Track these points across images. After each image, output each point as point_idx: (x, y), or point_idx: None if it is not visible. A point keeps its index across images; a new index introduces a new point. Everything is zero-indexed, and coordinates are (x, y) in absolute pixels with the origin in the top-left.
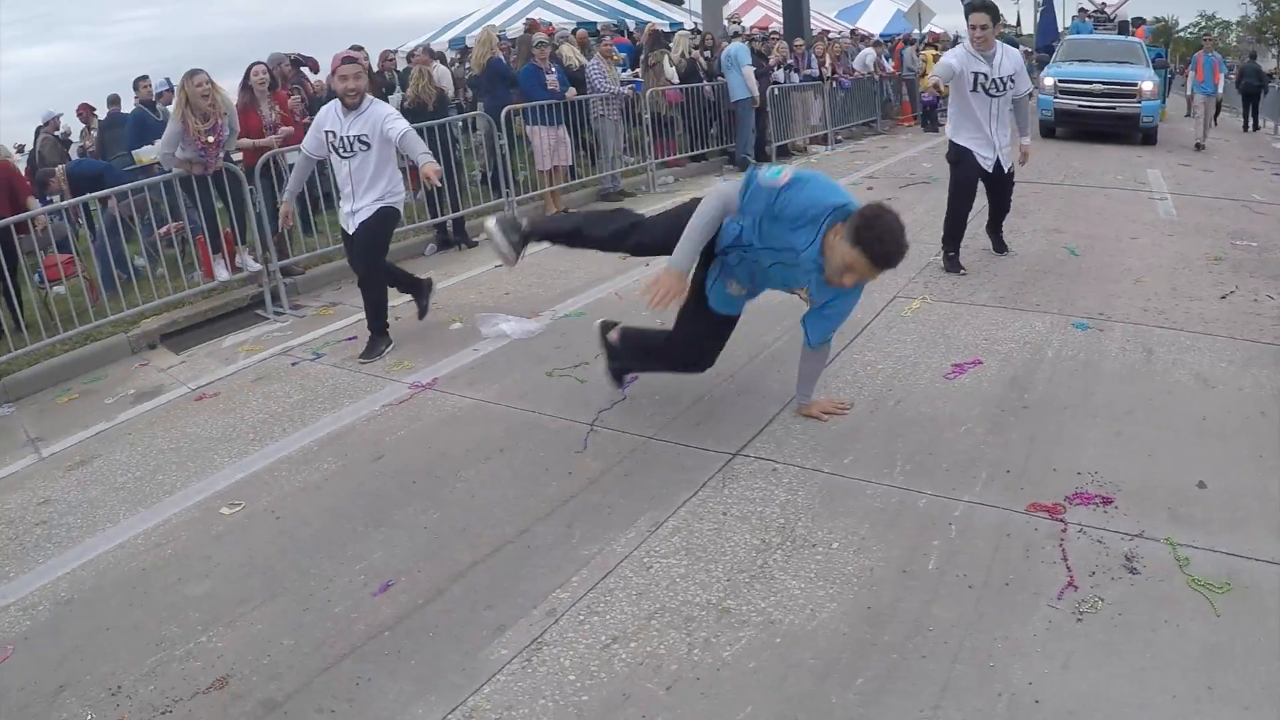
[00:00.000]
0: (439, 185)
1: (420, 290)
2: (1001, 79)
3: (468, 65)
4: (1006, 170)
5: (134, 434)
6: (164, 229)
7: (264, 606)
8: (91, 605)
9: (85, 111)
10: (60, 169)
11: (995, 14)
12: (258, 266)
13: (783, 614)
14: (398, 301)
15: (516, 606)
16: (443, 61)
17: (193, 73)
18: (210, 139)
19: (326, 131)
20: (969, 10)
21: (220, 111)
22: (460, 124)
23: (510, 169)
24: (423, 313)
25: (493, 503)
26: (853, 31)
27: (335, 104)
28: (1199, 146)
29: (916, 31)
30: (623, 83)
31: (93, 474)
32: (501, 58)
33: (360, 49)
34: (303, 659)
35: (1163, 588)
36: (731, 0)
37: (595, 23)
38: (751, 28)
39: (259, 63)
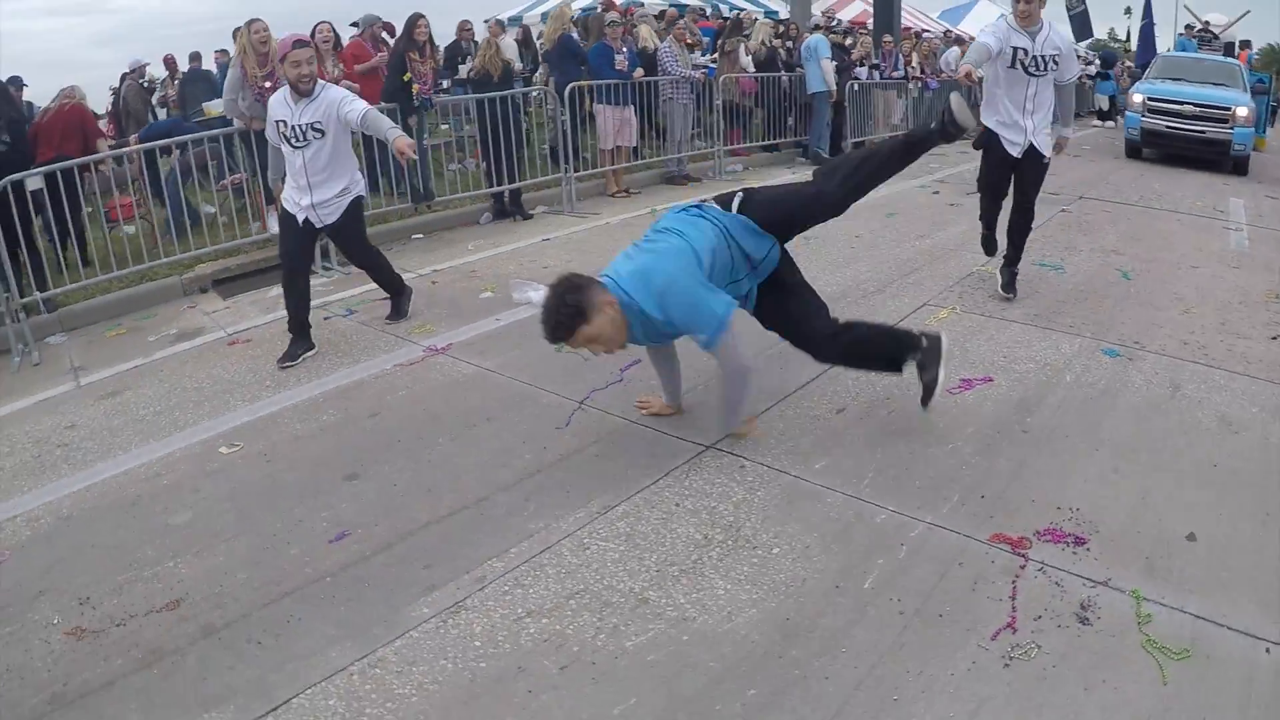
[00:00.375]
0: (414, 158)
1: (401, 293)
2: (1043, 56)
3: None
4: (1046, 156)
5: (166, 371)
6: (228, 180)
7: (231, 541)
8: (85, 523)
9: (170, 62)
10: (133, 138)
11: None
12: None
13: (699, 612)
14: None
15: (451, 569)
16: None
17: (251, 21)
18: (267, 84)
19: (277, 121)
20: None
21: (277, 60)
22: (526, 96)
23: (573, 145)
24: (396, 314)
25: (464, 468)
26: (946, 32)
27: (284, 91)
28: None
29: None
30: (695, 67)
31: (119, 405)
32: (574, 34)
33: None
34: (249, 593)
35: (1112, 644)
36: None
37: (686, 5)
38: (849, 22)
39: (324, 21)
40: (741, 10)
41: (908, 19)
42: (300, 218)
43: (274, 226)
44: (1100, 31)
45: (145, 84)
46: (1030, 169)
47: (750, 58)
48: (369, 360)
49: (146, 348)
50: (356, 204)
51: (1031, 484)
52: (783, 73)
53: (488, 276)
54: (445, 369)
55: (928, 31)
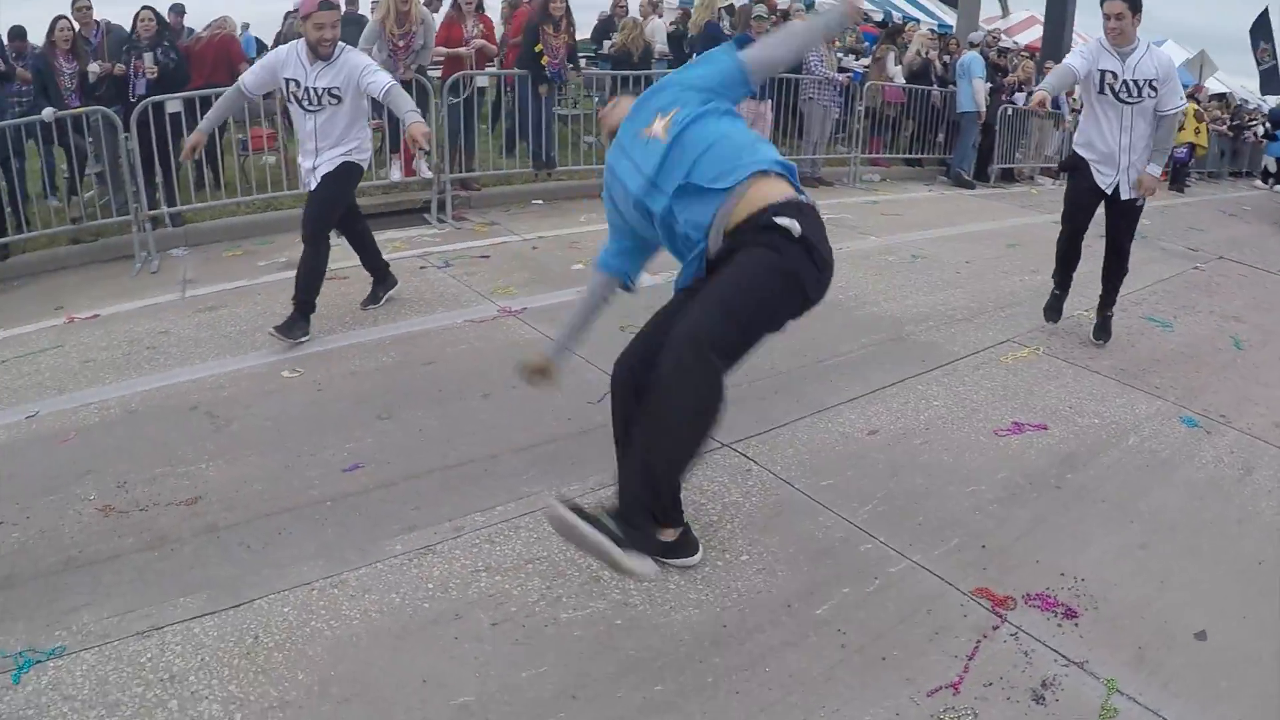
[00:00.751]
0: (426, 149)
1: (383, 279)
2: (1135, 82)
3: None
4: (1127, 198)
5: (262, 294)
6: (370, 123)
7: (263, 455)
8: (146, 418)
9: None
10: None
11: (1135, 3)
12: (430, 175)
13: (642, 600)
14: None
15: (436, 515)
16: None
17: None
18: (401, 43)
19: (287, 79)
20: None
21: (415, 21)
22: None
23: None
24: (371, 300)
25: (489, 425)
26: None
27: (298, 47)
28: None
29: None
30: (842, 70)
31: (213, 320)
32: (722, 22)
33: None
34: (258, 502)
35: None
36: (1012, 16)
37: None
38: (1025, 47)
39: None
40: (906, 18)
41: None
42: (305, 183)
43: (395, 175)
44: None
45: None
46: (1120, 209)
47: (900, 67)
48: (445, 312)
49: (254, 271)
50: (348, 166)
51: (1043, 543)
52: (935, 87)
53: (586, 249)
54: (511, 330)
55: None
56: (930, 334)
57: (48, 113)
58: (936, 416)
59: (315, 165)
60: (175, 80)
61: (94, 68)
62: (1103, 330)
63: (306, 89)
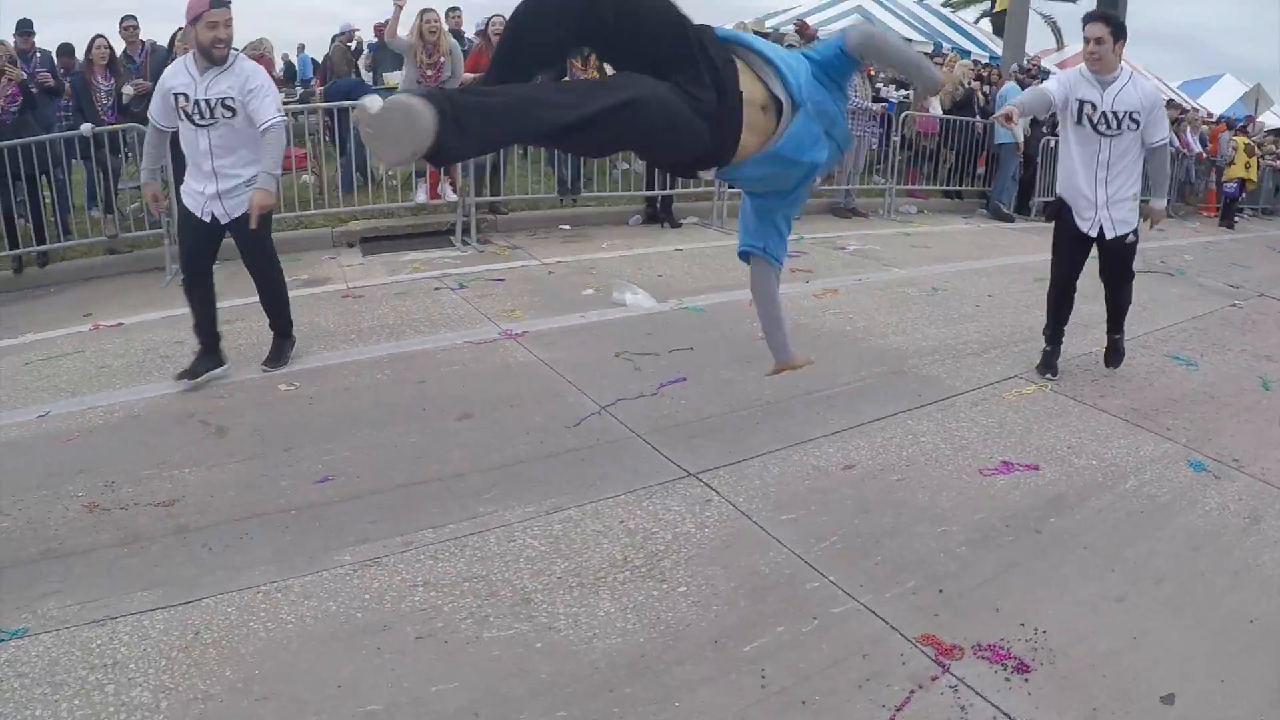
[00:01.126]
0: (256, 219)
1: (286, 336)
2: (1116, 113)
3: None
4: (1114, 237)
5: None
6: None
7: (242, 462)
8: (145, 423)
9: (379, 30)
10: (319, 89)
11: (1118, 29)
12: (455, 198)
13: (567, 626)
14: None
15: (390, 529)
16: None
17: (424, 11)
18: (430, 72)
19: (176, 94)
20: (1084, 20)
21: (443, 51)
22: None
23: None
24: (274, 360)
25: (463, 444)
26: (1169, 102)
27: (186, 59)
28: None
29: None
30: (877, 99)
31: (227, 333)
32: None
33: None
34: (228, 507)
35: None
36: (1066, 49)
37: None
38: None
39: (497, 15)
40: (956, 49)
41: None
42: (203, 212)
43: (420, 198)
44: None
45: (351, 48)
46: (1109, 249)
47: (935, 99)
48: (449, 332)
49: None
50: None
51: (1008, 590)
52: (978, 118)
53: (602, 274)
54: (509, 353)
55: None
56: (934, 368)
57: (85, 128)
58: (921, 453)
59: (219, 190)
60: None
61: (128, 89)
62: (1114, 354)
63: (196, 101)
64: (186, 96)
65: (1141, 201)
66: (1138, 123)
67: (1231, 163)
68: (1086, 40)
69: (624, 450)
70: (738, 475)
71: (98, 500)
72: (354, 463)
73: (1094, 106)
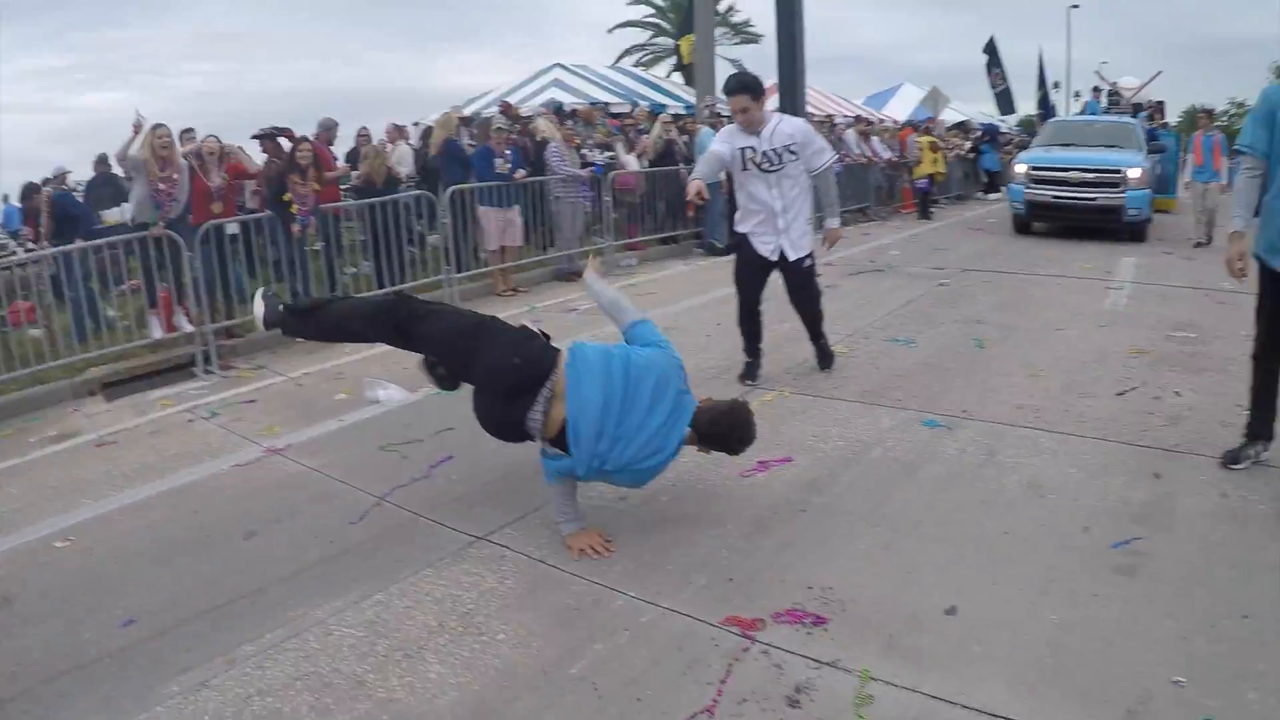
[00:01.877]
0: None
1: None
2: (774, 151)
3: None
4: (795, 260)
5: (32, 472)
6: (127, 285)
7: (40, 624)
8: None
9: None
10: (46, 191)
11: (756, 92)
12: (191, 328)
13: (405, 694)
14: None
15: (209, 652)
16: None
17: (156, 125)
18: (163, 186)
19: (742, 149)
20: (726, 92)
21: (176, 167)
22: (410, 201)
23: (459, 247)
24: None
25: (255, 561)
26: (857, 118)
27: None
28: (1199, 244)
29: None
30: (584, 164)
31: None
32: (457, 140)
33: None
34: (34, 669)
35: None
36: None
37: (608, 104)
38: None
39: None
40: (653, 106)
41: (830, 105)
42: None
43: (156, 333)
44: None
45: (65, 189)
46: (791, 276)
47: (632, 155)
48: (211, 461)
49: (25, 449)
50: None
51: (790, 564)
52: (681, 166)
53: (350, 377)
54: (277, 469)
55: (845, 117)
56: None
57: None
58: (685, 472)
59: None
60: None
61: None
62: (823, 357)
63: (764, 153)
64: (754, 149)
65: (819, 218)
66: (795, 153)
67: (920, 161)
68: (734, 112)
69: (411, 531)
70: (523, 529)
71: None
72: (152, 600)
73: (754, 149)
